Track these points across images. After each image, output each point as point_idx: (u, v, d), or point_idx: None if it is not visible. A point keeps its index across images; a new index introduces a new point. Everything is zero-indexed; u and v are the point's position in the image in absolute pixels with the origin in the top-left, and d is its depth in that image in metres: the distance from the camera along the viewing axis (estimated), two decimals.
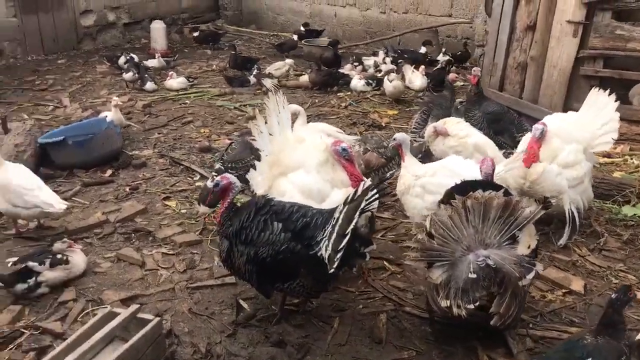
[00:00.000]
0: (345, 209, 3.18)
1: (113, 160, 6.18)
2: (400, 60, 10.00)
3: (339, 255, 3.11)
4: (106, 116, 6.63)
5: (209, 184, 4.66)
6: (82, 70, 10.27)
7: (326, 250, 3.20)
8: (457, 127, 5.38)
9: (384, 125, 7.42)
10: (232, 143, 5.02)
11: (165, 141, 6.91)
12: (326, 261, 3.19)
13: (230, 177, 3.62)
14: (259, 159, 4.70)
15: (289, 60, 9.80)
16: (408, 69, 9.09)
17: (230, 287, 4.04)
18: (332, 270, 3.16)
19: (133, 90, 9.02)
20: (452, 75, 7.14)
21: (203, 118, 7.80)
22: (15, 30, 10.82)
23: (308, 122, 5.42)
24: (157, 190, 5.61)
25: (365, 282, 4.11)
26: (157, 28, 11.78)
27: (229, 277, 4.10)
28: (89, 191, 5.58)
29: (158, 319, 3.28)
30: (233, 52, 10.14)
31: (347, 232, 3.10)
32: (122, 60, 9.60)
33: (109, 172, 5.99)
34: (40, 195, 4.52)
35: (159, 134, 7.18)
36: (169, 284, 4.09)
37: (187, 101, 8.51)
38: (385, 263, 4.33)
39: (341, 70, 9.42)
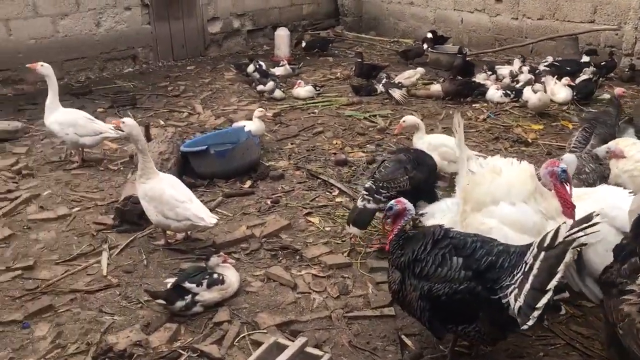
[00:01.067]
0: (543, 256, 2.76)
1: (251, 171, 6.09)
2: (538, 70, 9.33)
3: (535, 314, 2.69)
4: (244, 126, 6.56)
5: (361, 203, 4.43)
6: (210, 77, 10.43)
7: (515, 300, 2.79)
8: (634, 149, 4.77)
9: (530, 141, 6.85)
10: (384, 161, 4.71)
11: (299, 152, 6.76)
12: (515, 314, 2.78)
13: (406, 202, 3.31)
14: (414, 180, 4.38)
15: (420, 69, 9.40)
16: (550, 80, 8.42)
17: (390, 320, 3.74)
18: (524, 327, 2.75)
19: (262, 98, 8.99)
20: (618, 90, 6.47)
21: (333, 128, 7.59)
22: (149, 37, 11.21)
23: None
24: (298, 204, 5.42)
25: (541, 325, 3.65)
26: (281, 35, 11.80)
27: (387, 308, 3.80)
28: (231, 202, 5.50)
29: (328, 356, 3.02)
30: (359, 60, 9.89)
31: (547, 288, 2.68)
32: (250, 68, 9.62)
33: (248, 183, 5.90)
34: (192, 208, 4.45)
35: (291, 144, 7.04)
36: (324, 310, 3.85)
37: (315, 110, 8.34)
38: (561, 304, 3.84)
39: (475, 80, 8.88)
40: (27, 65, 6.46)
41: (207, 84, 9.97)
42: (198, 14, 11.92)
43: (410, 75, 9.20)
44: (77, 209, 5.43)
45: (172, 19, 11.48)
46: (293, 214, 5.21)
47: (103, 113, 8.17)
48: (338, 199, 5.46)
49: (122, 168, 6.41)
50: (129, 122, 4.59)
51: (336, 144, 7.03)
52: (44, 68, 6.28)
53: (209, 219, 4.42)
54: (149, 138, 6.72)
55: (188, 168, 6.04)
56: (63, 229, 5.06)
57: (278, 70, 9.78)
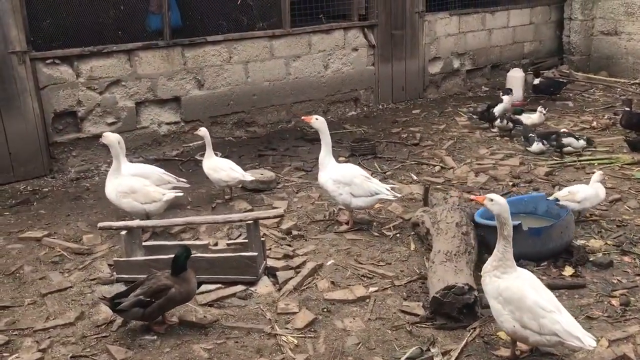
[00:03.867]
0: None
1: (564, 254, 4.99)
2: None
3: None
4: (544, 194, 5.50)
5: None
6: (442, 123, 9.57)
7: None
8: None
9: None
10: None
11: (610, 228, 5.53)
12: None
13: None
14: None
15: None
16: None
17: None
18: None
19: (520, 152, 7.91)
20: None
21: (633, 195, 6.27)
22: (371, 79, 10.67)
23: None
24: None
25: None
26: (516, 77, 10.68)
27: None
28: (559, 296, 4.43)
29: None
30: (628, 109, 8.45)
31: None
32: (501, 123, 8.54)
33: (569, 270, 4.80)
34: (562, 321, 3.44)
35: (589, 214, 5.83)
36: None
37: (594, 170, 7.05)
38: None
39: None
40: (302, 118, 6.00)
41: (442, 131, 9.11)
42: (420, 54, 11.20)
43: None
44: (373, 288, 4.69)
45: (395, 60, 10.86)
46: None
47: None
48: None
49: (398, 235, 5.64)
50: (498, 199, 3.70)
51: None
52: (319, 122, 5.75)
53: (586, 339, 3.37)
54: (426, 202, 5.92)
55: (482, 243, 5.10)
56: (369, 317, 4.32)
57: (529, 118, 8.63)
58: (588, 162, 7.33)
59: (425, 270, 4.89)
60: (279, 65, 9.54)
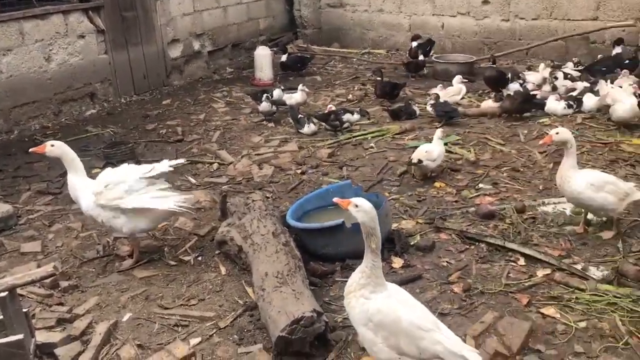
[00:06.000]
0: None
1: (387, 243, 4.62)
2: (570, 75, 8.67)
3: None
4: (349, 181, 5.07)
5: None
6: (200, 112, 8.64)
7: None
8: None
9: None
10: None
11: (414, 206, 5.37)
12: None
13: None
14: None
15: (461, 86, 8.31)
16: (603, 85, 7.67)
17: None
18: None
19: (293, 135, 7.46)
20: None
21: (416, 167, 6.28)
22: (107, 69, 9.15)
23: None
24: (496, 288, 4.08)
25: None
26: (263, 55, 10.20)
27: None
28: None
29: None
30: (379, 79, 8.64)
31: None
32: (264, 106, 7.89)
33: (398, 261, 4.45)
34: (443, 340, 2.94)
35: (388, 193, 5.64)
36: None
37: (372, 145, 6.96)
38: None
39: (536, 95, 7.91)
40: (31, 150, 4.53)
41: (203, 121, 8.20)
42: (158, 37, 10.00)
43: (454, 92, 8.11)
44: (195, 340, 3.68)
45: (130, 46, 9.49)
46: (504, 306, 3.85)
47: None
48: (540, 273, 4.18)
49: (200, 258, 4.66)
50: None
51: (440, 186, 5.74)
52: (56, 149, 4.44)
53: (471, 355, 2.94)
54: (224, 212, 5.03)
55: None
56: None
57: (291, 99, 8.21)
58: (362, 137, 7.21)
59: (249, 299, 4.07)
60: None
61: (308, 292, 3.74)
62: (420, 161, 5.61)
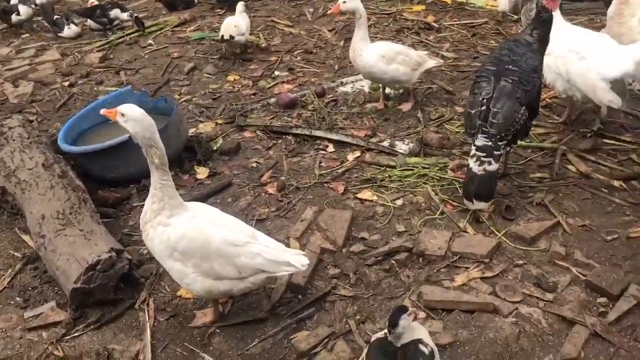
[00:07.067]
0: None
1: (186, 152, 4.08)
2: None
3: None
4: (130, 87, 4.33)
5: (478, 168, 3.21)
6: None
7: None
8: None
9: (436, 25, 6.11)
10: (485, 99, 3.25)
11: (210, 106, 4.82)
12: None
13: None
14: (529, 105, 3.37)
15: None
16: None
17: None
18: None
19: (51, 40, 6.25)
20: None
21: (204, 60, 5.67)
22: None
23: None
24: (311, 181, 3.83)
25: None
26: None
27: None
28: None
29: None
30: None
31: None
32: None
33: (203, 171, 3.95)
34: (262, 250, 2.59)
35: (179, 95, 5.01)
36: None
37: (151, 42, 6.12)
38: None
39: None
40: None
41: None
42: None
43: None
44: None
45: None
46: (322, 198, 3.63)
47: None
48: (350, 157, 4.00)
49: None
50: None
51: (235, 79, 5.24)
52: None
53: (297, 259, 2.65)
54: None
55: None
56: None
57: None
58: (138, 34, 6.29)
59: (29, 248, 3.33)
60: None
61: (100, 229, 3.12)
62: (232, 37, 5.30)
